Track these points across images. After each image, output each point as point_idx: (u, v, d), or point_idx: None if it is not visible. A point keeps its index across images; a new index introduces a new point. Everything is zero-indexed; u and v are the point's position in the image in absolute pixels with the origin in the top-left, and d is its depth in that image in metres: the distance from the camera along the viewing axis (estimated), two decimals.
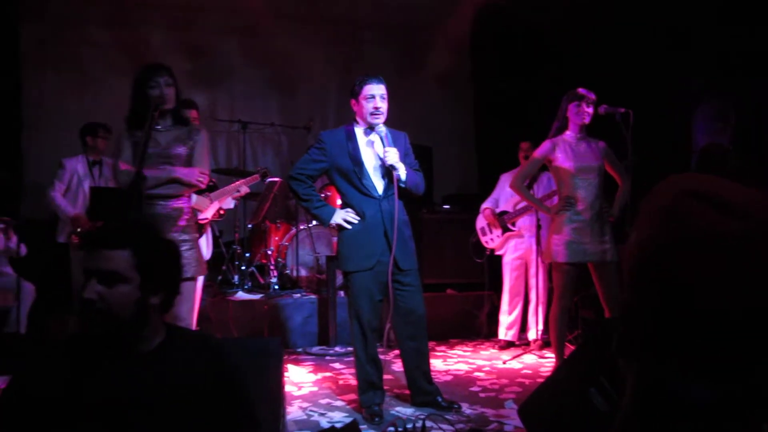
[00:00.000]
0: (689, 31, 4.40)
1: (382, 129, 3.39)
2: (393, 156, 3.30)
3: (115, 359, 1.58)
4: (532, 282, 5.05)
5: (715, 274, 0.71)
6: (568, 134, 3.92)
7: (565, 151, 3.89)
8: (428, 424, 3.01)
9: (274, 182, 5.17)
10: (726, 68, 4.17)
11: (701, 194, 0.76)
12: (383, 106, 3.37)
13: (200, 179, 3.11)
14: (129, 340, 1.59)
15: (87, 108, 6.47)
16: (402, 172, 3.34)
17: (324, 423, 3.29)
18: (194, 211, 3.29)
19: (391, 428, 2.72)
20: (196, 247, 3.21)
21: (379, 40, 7.43)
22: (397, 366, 4.49)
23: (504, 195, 5.24)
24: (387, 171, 3.38)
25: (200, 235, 3.70)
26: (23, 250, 4.96)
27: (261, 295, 5.30)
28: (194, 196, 3.62)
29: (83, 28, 6.53)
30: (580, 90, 3.83)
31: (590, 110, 3.83)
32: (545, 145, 3.95)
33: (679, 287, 0.73)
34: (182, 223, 3.10)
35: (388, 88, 3.42)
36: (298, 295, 5.41)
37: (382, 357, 4.56)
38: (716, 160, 4.45)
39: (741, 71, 4.11)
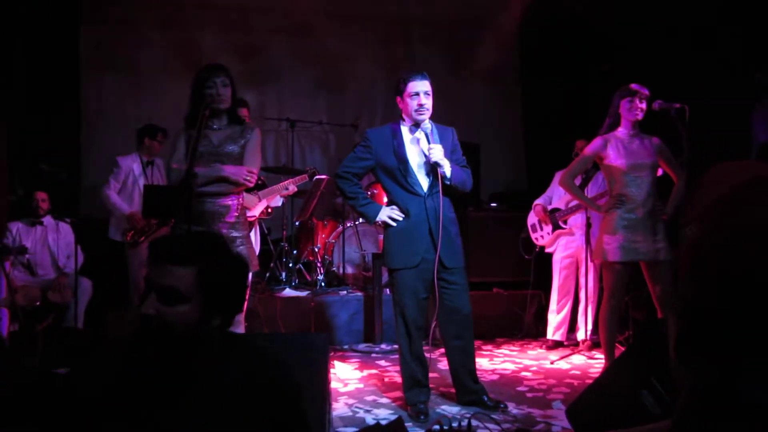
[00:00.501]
0: (747, 24, 4.23)
1: (428, 125, 3.37)
2: (437, 153, 3.28)
3: (168, 371, 1.53)
4: (583, 281, 4.95)
5: None
6: (621, 131, 3.83)
7: (617, 148, 3.80)
8: (474, 423, 2.98)
9: (321, 179, 5.22)
10: None
11: (764, 182, 0.72)
12: (428, 102, 3.35)
13: (248, 178, 3.15)
14: (184, 353, 1.53)
15: (143, 109, 6.69)
16: (447, 168, 3.31)
17: (369, 420, 3.31)
18: (243, 209, 3.34)
19: (437, 426, 2.71)
20: (247, 243, 3.27)
21: (427, 37, 7.41)
22: (443, 364, 4.47)
23: (557, 193, 5.15)
24: (432, 168, 3.36)
25: (252, 229, 3.76)
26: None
27: (308, 292, 5.36)
28: (243, 194, 3.69)
29: (140, 31, 6.74)
30: (633, 85, 3.74)
31: (643, 106, 3.73)
32: (596, 142, 3.87)
33: (744, 281, 0.69)
34: (230, 219, 3.16)
35: (433, 85, 3.40)
36: (344, 292, 5.45)
37: (427, 355, 4.56)
38: None
39: None
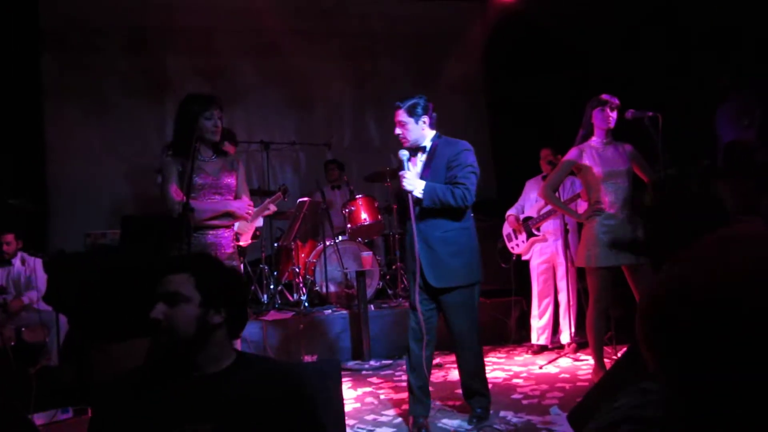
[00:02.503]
0: (708, 28, 4.43)
1: (405, 153, 3.39)
2: (405, 180, 3.30)
3: (183, 381, 1.64)
4: (561, 285, 5.08)
5: None
6: (594, 140, 3.96)
7: (592, 156, 3.93)
8: None
9: (304, 202, 5.23)
10: (751, 64, 4.19)
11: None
12: (400, 132, 3.41)
13: (249, 212, 3.20)
14: (194, 359, 1.65)
15: (108, 135, 6.57)
16: (417, 191, 3.30)
17: None
18: (236, 236, 3.33)
19: None
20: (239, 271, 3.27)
21: (392, 52, 7.51)
22: (436, 378, 4.52)
23: (529, 201, 5.30)
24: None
25: (243, 258, 3.75)
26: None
27: (292, 313, 5.34)
28: (236, 222, 3.68)
29: (103, 56, 6.63)
30: (603, 96, 3.88)
31: (614, 115, 3.87)
32: (572, 153, 3.98)
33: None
34: (228, 250, 3.16)
35: (405, 111, 3.40)
36: (329, 311, 5.45)
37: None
38: (742, 156, 4.48)
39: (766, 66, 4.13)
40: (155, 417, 1.58)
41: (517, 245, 5.32)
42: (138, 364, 1.80)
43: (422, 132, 3.40)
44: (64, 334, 4.98)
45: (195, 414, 1.58)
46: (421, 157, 3.47)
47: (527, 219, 5.24)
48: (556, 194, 4.87)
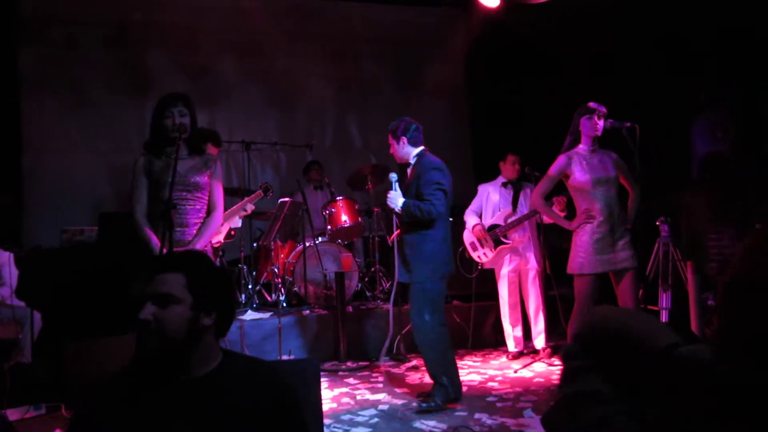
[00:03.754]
0: (687, 42, 4.54)
1: (394, 175, 4.00)
2: (390, 199, 3.93)
3: (171, 384, 1.60)
4: (530, 290, 5.10)
5: None
6: (581, 147, 3.99)
7: (580, 164, 3.95)
8: None
9: (285, 203, 5.23)
10: (727, 79, 4.30)
11: None
12: (393, 153, 4.09)
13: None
14: (183, 362, 1.61)
15: (87, 130, 6.51)
16: (397, 207, 3.89)
17: None
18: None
19: None
20: None
21: (375, 55, 7.55)
22: (412, 380, 4.56)
23: (490, 206, 5.24)
24: None
25: (216, 258, 3.75)
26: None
27: (270, 314, 5.33)
28: None
29: (83, 50, 6.56)
30: (591, 104, 3.93)
31: (602, 123, 3.92)
32: (560, 160, 4.00)
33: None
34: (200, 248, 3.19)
35: (389, 133, 4.06)
36: (307, 311, 5.45)
37: (394, 370, 4.68)
38: (717, 168, 4.60)
39: (741, 81, 4.25)
40: (141, 422, 1.54)
41: (484, 254, 5.20)
42: (115, 364, 1.76)
43: (405, 149, 4.01)
44: (38, 331, 4.90)
45: (184, 418, 1.55)
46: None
47: (493, 227, 5.17)
48: (519, 202, 5.01)
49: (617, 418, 0.99)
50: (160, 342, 1.56)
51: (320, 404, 2.52)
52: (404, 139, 3.97)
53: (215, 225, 3.32)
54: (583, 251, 3.92)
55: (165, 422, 1.55)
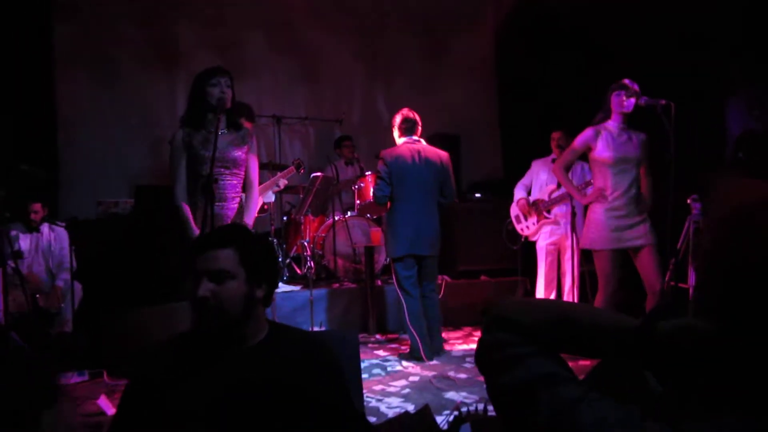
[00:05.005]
0: (719, 18, 4.45)
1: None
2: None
3: (222, 355, 1.65)
4: (566, 267, 5.15)
5: None
6: (611, 123, 3.97)
7: (606, 140, 3.95)
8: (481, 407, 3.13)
9: (317, 177, 5.29)
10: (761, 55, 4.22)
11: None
12: None
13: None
14: (240, 334, 1.67)
15: (119, 106, 6.60)
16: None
17: (383, 408, 3.43)
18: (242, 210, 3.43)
19: (456, 413, 2.85)
20: None
21: (402, 29, 7.50)
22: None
23: (538, 182, 5.34)
24: None
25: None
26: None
27: (300, 286, 5.43)
28: (243, 195, 3.75)
29: (115, 26, 6.62)
30: (625, 81, 3.90)
31: (631, 101, 3.89)
32: (588, 133, 4.00)
33: (747, 292, 0.77)
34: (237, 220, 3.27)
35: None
36: (337, 285, 5.54)
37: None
38: (753, 147, 4.53)
39: None
40: (198, 390, 1.58)
41: (527, 227, 5.35)
42: (152, 333, 1.78)
43: (398, 140, 4.66)
44: (78, 301, 5.05)
45: (242, 386, 1.59)
46: None
47: (537, 202, 5.28)
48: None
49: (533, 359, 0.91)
50: (219, 317, 1.60)
51: (360, 373, 2.61)
52: (396, 132, 4.68)
53: (256, 200, 3.38)
54: (594, 227, 3.95)
55: (223, 390, 1.59)
